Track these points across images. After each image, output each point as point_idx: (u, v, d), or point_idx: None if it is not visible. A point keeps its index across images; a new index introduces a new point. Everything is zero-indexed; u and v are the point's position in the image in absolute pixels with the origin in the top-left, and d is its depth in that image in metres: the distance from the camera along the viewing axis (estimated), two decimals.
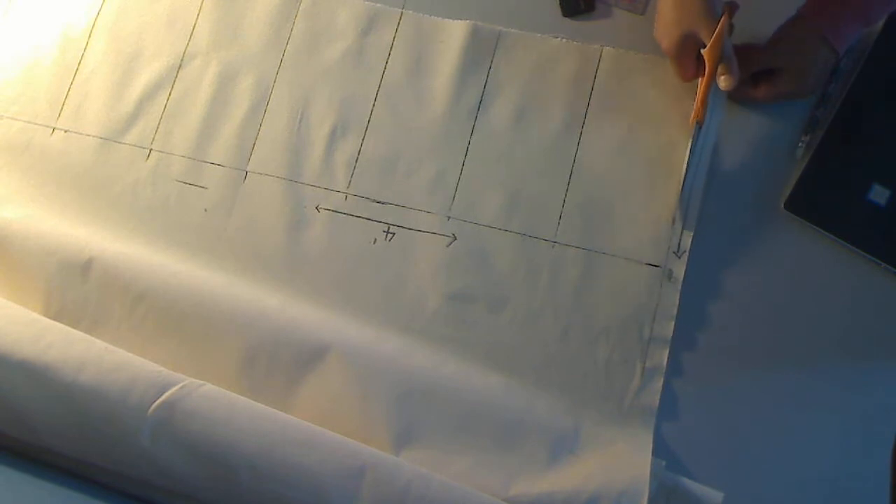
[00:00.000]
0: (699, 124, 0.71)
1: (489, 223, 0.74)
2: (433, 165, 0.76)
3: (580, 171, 0.75)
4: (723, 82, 0.69)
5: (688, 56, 0.71)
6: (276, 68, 0.81)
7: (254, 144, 0.79)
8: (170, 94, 0.81)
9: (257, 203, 0.77)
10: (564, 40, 0.78)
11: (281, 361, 0.70)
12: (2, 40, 0.85)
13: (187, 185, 0.78)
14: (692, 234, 0.72)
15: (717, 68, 0.69)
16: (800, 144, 0.73)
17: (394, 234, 0.75)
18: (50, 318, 0.70)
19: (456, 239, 0.74)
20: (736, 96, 0.73)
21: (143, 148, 0.80)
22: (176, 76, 0.81)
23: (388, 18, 0.81)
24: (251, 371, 0.70)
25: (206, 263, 0.75)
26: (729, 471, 0.67)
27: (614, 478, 0.64)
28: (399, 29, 0.80)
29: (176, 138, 0.80)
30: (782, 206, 0.72)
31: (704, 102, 0.70)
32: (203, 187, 0.78)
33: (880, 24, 0.74)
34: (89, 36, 0.84)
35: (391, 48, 0.80)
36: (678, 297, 0.71)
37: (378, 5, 0.81)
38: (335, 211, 0.76)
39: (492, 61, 0.78)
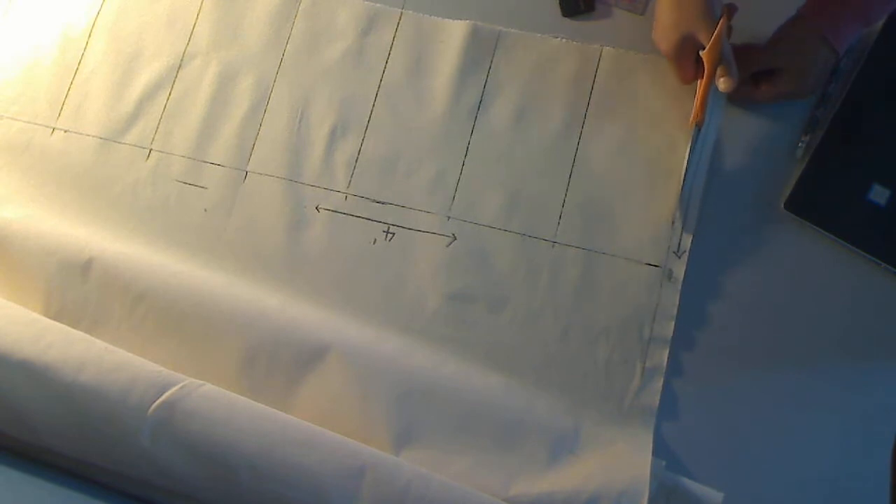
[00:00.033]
0: (698, 126, 0.71)
1: (489, 223, 0.74)
2: (433, 165, 0.76)
3: (580, 171, 0.75)
4: (722, 84, 0.69)
5: (687, 58, 0.71)
6: (276, 68, 0.81)
7: (254, 144, 0.79)
8: (170, 94, 0.81)
9: (257, 203, 0.77)
10: (564, 40, 0.78)
11: (281, 361, 0.70)
12: (2, 40, 0.85)
13: (187, 185, 0.78)
14: (692, 234, 0.72)
15: (716, 70, 0.69)
16: (800, 144, 0.73)
17: (394, 234, 0.75)
18: (50, 318, 0.70)
19: (456, 239, 0.74)
20: (736, 96, 0.73)
21: (143, 148, 0.80)
22: (176, 76, 0.81)
23: (388, 18, 0.81)
24: (251, 371, 0.70)
25: (206, 263, 0.75)
26: (729, 471, 0.67)
27: (614, 478, 0.64)
28: (399, 29, 0.80)
29: (176, 138, 0.80)
30: (782, 206, 0.72)
31: (704, 104, 0.70)
32: (203, 187, 0.78)
33: (880, 24, 0.74)
34: (89, 36, 0.84)
35: (391, 48, 0.80)
36: (678, 297, 0.71)
37: (378, 5, 0.81)
38: (335, 211, 0.76)
39: (492, 61, 0.78)
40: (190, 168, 0.79)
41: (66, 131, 0.81)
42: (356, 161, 0.77)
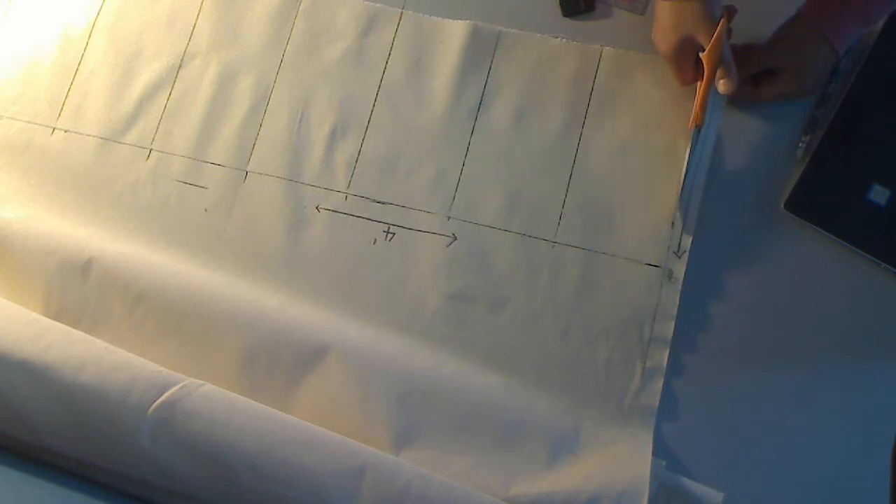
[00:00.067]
0: (698, 128, 0.71)
1: (489, 223, 0.74)
2: (433, 165, 0.76)
3: (580, 171, 0.75)
4: (722, 86, 0.69)
5: (686, 60, 0.71)
6: (276, 68, 0.81)
7: (254, 144, 0.79)
8: (170, 94, 0.81)
9: (257, 203, 0.77)
10: (564, 40, 0.78)
11: (281, 361, 0.70)
12: (2, 40, 0.85)
13: (187, 185, 0.78)
14: (692, 234, 0.72)
15: (715, 72, 0.69)
16: (800, 144, 0.73)
17: (394, 234, 0.75)
18: (50, 318, 0.70)
19: (456, 239, 0.74)
20: (736, 97, 0.73)
21: (143, 148, 0.80)
22: (176, 76, 0.81)
23: (388, 18, 0.81)
24: (251, 371, 0.70)
25: (206, 263, 0.75)
26: (729, 471, 0.67)
27: (614, 478, 0.64)
28: (399, 29, 0.80)
29: (176, 138, 0.80)
30: (782, 206, 0.72)
31: (703, 106, 0.70)
32: (203, 187, 0.78)
33: (880, 24, 0.74)
34: (89, 36, 0.84)
35: (391, 48, 0.80)
36: (678, 297, 0.71)
37: (378, 5, 0.81)
38: (335, 211, 0.76)
39: (492, 61, 0.78)
40: (190, 168, 0.79)
41: (66, 131, 0.81)
42: (356, 161, 0.77)
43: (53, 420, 0.65)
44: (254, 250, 0.76)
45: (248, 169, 0.78)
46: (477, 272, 0.73)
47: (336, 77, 0.80)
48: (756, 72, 0.72)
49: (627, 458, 0.66)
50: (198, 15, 0.83)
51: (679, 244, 0.72)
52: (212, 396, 0.64)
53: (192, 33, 0.83)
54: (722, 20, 0.67)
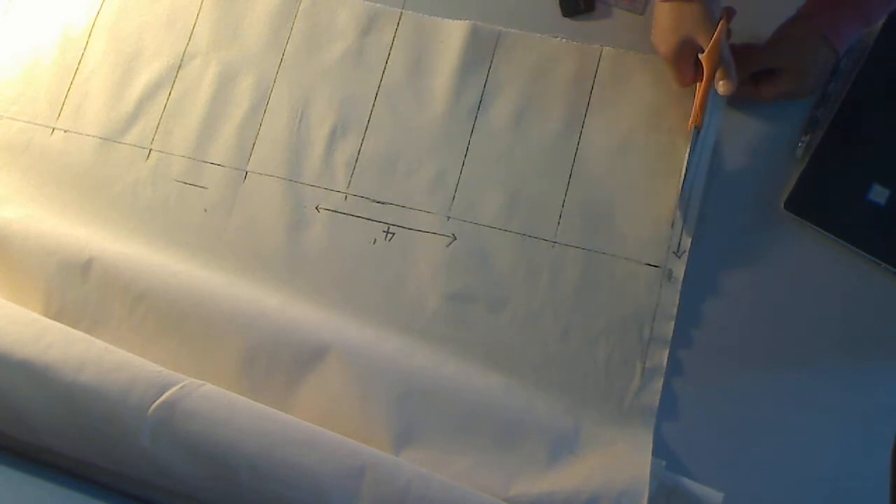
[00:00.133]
0: (697, 129, 0.71)
1: (489, 223, 0.74)
2: (433, 165, 0.76)
3: (580, 171, 0.75)
4: (721, 87, 0.69)
5: (686, 61, 0.71)
6: (276, 68, 0.81)
7: (254, 144, 0.79)
8: (170, 94, 0.81)
9: (257, 203, 0.77)
10: (564, 40, 0.78)
11: (281, 361, 0.70)
12: (2, 40, 0.85)
13: (187, 185, 0.78)
14: (692, 234, 0.72)
15: (715, 73, 0.69)
16: (800, 144, 0.73)
17: (394, 234, 0.75)
18: (50, 318, 0.70)
19: (456, 239, 0.74)
20: (736, 97, 0.73)
21: (143, 148, 0.80)
22: (176, 76, 0.81)
23: (388, 18, 0.81)
24: (251, 371, 0.70)
25: (206, 263, 0.75)
26: (729, 471, 0.67)
27: (614, 478, 0.64)
28: (399, 29, 0.80)
29: (176, 138, 0.80)
30: (782, 206, 0.72)
31: (703, 107, 0.70)
32: (203, 187, 0.78)
33: (880, 24, 0.74)
34: (89, 36, 0.84)
35: (391, 48, 0.80)
36: (678, 297, 0.71)
37: (378, 5, 0.81)
38: (335, 211, 0.76)
39: (492, 61, 0.78)
40: (190, 168, 0.79)
41: (66, 131, 0.81)
42: (356, 161, 0.77)
43: (53, 420, 0.65)
44: (254, 250, 0.76)
45: (248, 169, 0.78)
46: (477, 272, 0.73)
47: (336, 77, 0.80)
48: (756, 71, 0.72)
49: (627, 458, 0.66)
50: (198, 15, 0.83)
51: (679, 244, 0.72)
52: (212, 396, 0.64)
53: (192, 33, 0.83)
54: (721, 21, 0.67)
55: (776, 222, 0.72)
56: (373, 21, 0.81)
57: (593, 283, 0.72)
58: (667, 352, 0.70)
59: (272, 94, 0.80)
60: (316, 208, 0.76)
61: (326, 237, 0.76)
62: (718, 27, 0.67)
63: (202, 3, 0.83)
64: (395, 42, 0.80)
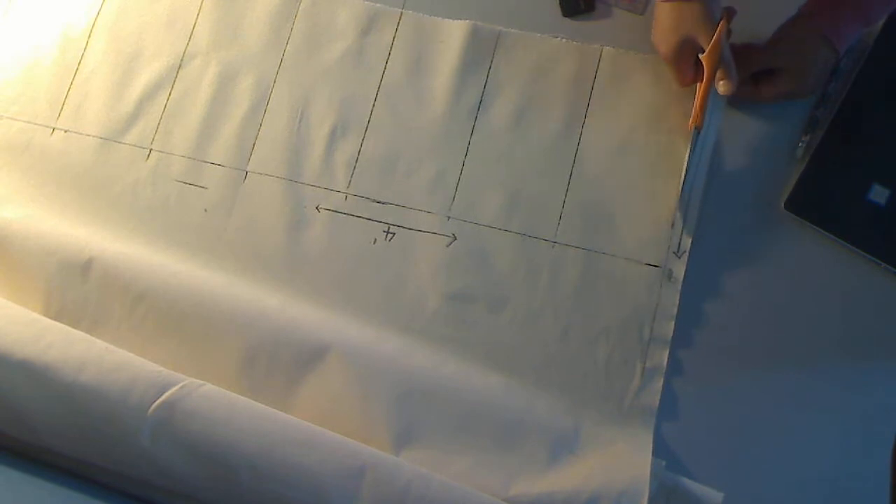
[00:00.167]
0: (697, 129, 0.71)
1: (489, 223, 0.74)
2: (433, 165, 0.76)
3: (580, 171, 0.75)
4: (721, 87, 0.69)
5: (686, 61, 0.71)
6: (276, 68, 0.81)
7: (254, 144, 0.79)
8: (170, 94, 0.81)
9: (257, 203, 0.77)
10: (564, 40, 0.78)
11: (281, 361, 0.70)
12: (2, 40, 0.85)
13: (187, 185, 0.78)
14: (692, 234, 0.72)
15: (715, 73, 0.69)
16: (800, 144, 0.73)
17: (394, 234, 0.75)
18: (50, 318, 0.70)
19: (456, 239, 0.74)
20: (736, 97, 0.73)
21: (143, 148, 0.80)
22: (176, 76, 0.81)
23: (388, 18, 0.81)
24: (251, 371, 0.70)
25: (206, 263, 0.75)
26: (729, 471, 0.67)
27: (614, 478, 0.64)
28: (399, 29, 0.80)
29: (176, 138, 0.80)
30: (782, 206, 0.72)
31: (703, 107, 0.70)
32: (203, 187, 0.78)
33: (880, 24, 0.74)
34: (89, 36, 0.84)
35: (391, 48, 0.80)
36: (678, 297, 0.71)
37: (378, 5, 0.81)
38: (335, 211, 0.76)
39: (492, 61, 0.78)
40: (190, 168, 0.79)
41: (66, 131, 0.81)
42: (356, 161, 0.77)
43: (53, 420, 0.65)
44: (254, 250, 0.76)
45: (248, 169, 0.78)
46: (477, 272, 0.73)
47: (336, 77, 0.80)
48: (756, 71, 0.72)
49: (627, 458, 0.66)
50: (198, 15, 0.83)
51: (679, 244, 0.72)
52: (212, 396, 0.64)
53: (192, 33, 0.83)
54: (722, 21, 0.67)
55: (776, 222, 0.72)
56: (373, 21, 0.81)
57: (593, 283, 0.72)
58: (667, 352, 0.70)
59: (272, 94, 0.80)
60: (316, 208, 0.76)
61: (326, 237, 0.76)
62: (719, 27, 0.67)
63: (202, 3, 0.83)
64: (395, 42, 0.80)
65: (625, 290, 0.71)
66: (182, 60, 0.82)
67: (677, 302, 0.71)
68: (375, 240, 0.75)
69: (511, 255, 0.73)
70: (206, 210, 0.77)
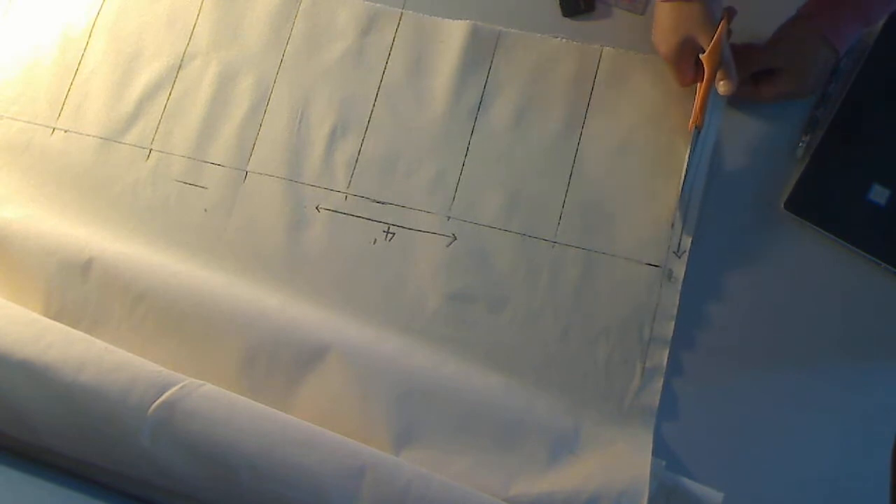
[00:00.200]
0: (698, 129, 0.71)
1: (489, 223, 0.74)
2: (433, 165, 0.76)
3: (580, 171, 0.75)
4: (722, 87, 0.69)
5: (686, 61, 0.71)
6: (276, 68, 0.81)
7: (254, 144, 0.79)
8: (170, 94, 0.81)
9: (257, 203, 0.77)
10: (564, 40, 0.78)
11: (281, 361, 0.70)
12: (2, 40, 0.85)
13: (187, 185, 0.78)
14: (692, 234, 0.72)
15: (715, 73, 0.69)
16: (800, 144, 0.73)
17: (394, 234, 0.75)
18: (50, 318, 0.70)
19: (456, 239, 0.74)
20: (736, 97, 0.73)
21: (143, 148, 0.80)
22: (176, 76, 0.81)
23: (388, 18, 0.81)
24: (251, 371, 0.70)
25: (206, 263, 0.75)
26: (729, 471, 0.67)
27: (614, 478, 0.64)
28: (399, 29, 0.80)
29: (176, 138, 0.80)
30: (782, 206, 0.72)
31: (703, 107, 0.70)
32: (203, 187, 0.78)
33: (880, 24, 0.74)
34: (89, 36, 0.84)
35: (391, 48, 0.80)
36: (678, 297, 0.71)
37: (378, 5, 0.81)
38: (335, 211, 0.76)
39: (492, 61, 0.78)
40: (190, 168, 0.79)
41: (66, 131, 0.81)
42: (356, 161, 0.77)
43: (53, 420, 0.65)
44: (254, 250, 0.76)
45: (248, 169, 0.78)
46: (477, 272, 0.73)
47: (336, 77, 0.80)
48: (756, 71, 0.72)
49: (627, 458, 0.66)
50: (198, 15, 0.83)
51: (679, 244, 0.72)
52: (212, 396, 0.64)
53: (192, 33, 0.83)
54: (722, 21, 0.67)
55: (776, 222, 0.72)
56: (373, 21, 0.81)
57: (593, 283, 0.72)
58: (667, 352, 0.70)
59: (272, 94, 0.80)
60: (316, 208, 0.76)
61: (326, 237, 0.76)
62: (719, 27, 0.67)
63: (202, 3, 0.83)
64: (395, 42, 0.80)
65: (625, 290, 0.71)
66: (182, 60, 0.82)
67: (677, 302, 0.71)
68: (375, 240, 0.75)
69: (511, 255, 0.73)
70: (206, 210, 0.77)
